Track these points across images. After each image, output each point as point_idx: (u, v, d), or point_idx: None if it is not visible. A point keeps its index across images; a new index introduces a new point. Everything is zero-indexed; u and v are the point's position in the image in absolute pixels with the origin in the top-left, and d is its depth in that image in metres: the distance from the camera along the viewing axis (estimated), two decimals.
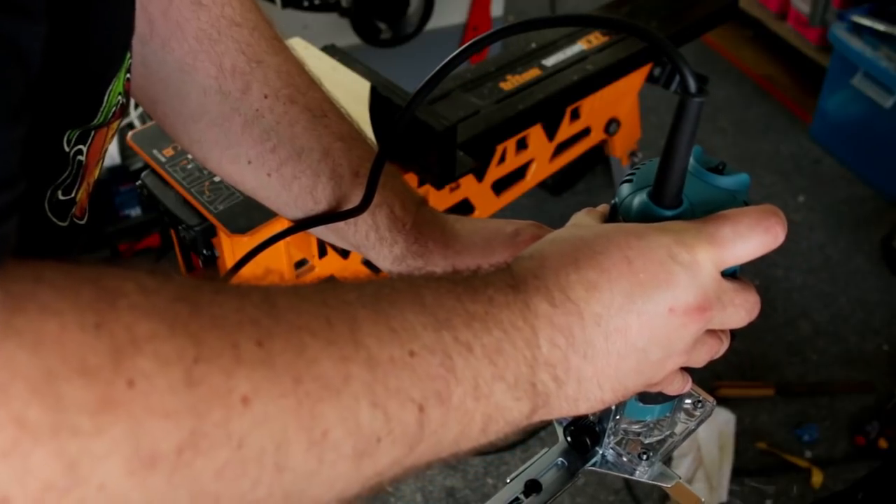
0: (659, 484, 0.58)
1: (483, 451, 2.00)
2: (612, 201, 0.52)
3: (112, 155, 2.09)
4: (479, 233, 0.65)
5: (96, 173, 0.59)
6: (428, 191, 1.56)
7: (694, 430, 0.60)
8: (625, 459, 0.59)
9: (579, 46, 1.85)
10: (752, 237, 0.46)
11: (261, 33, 0.66)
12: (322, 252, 1.44)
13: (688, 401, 0.61)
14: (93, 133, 0.53)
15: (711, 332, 0.49)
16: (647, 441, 0.59)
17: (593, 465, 0.59)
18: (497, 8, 2.59)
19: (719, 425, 2.05)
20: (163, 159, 1.37)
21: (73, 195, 0.54)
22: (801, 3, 2.94)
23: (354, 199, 0.65)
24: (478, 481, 1.96)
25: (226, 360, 0.33)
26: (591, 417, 0.58)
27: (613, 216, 0.52)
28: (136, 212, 2.23)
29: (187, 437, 0.32)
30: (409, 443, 0.40)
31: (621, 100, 2.01)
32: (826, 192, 2.72)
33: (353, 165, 0.66)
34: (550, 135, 1.85)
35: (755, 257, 0.47)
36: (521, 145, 1.79)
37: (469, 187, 1.71)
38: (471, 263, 0.52)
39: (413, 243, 0.66)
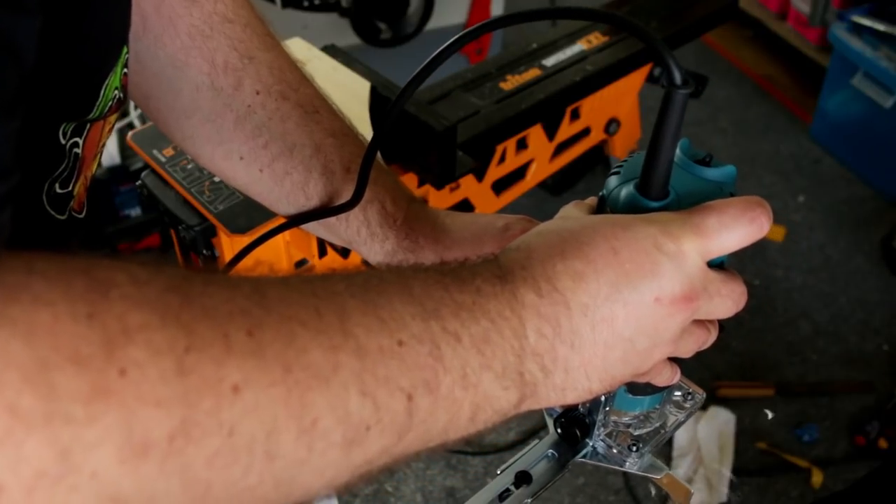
0: (649, 475, 0.59)
1: (483, 451, 2.00)
2: (600, 193, 0.52)
3: (112, 155, 2.09)
4: (470, 227, 0.65)
5: (94, 167, 0.59)
6: (428, 191, 1.56)
7: (684, 422, 0.60)
8: (615, 451, 0.59)
9: (579, 46, 1.85)
10: (737, 227, 0.46)
11: (253, 30, 0.67)
12: (322, 252, 1.44)
13: (677, 393, 0.61)
14: (88, 126, 0.54)
15: (699, 323, 0.49)
16: (637, 433, 0.59)
17: (584, 456, 0.59)
18: (497, 8, 2.60)
19: (719, 425, 2.05)
20: (163, 159, 1.38)
21: (70, 189, 0.54)
22: (801, 3, 2.95)
23: (346, 195, 0.65)
24: (478, 481, 1.96)
25: (216, 349, 0.34)
26: (581, 409, 0.58)
27: (601, 208, 0.52)
28: (136, 212, 2.24)
29: (178, 426, 0.32)
30: (398, 431, 0.40)
31: (621, 100, 2.01)
32: (826, 192, 2.72)
33: (344, 161, 0.66)
34: (550, 135, 1.85)
35: (741, 247, 0.47)
36: (521, 145, 1.79)
37: (469, 187, 1.71)
38: (461, 258, 0.53)
39: (404, 239, 0.67)
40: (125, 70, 0.57)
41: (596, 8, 0.47)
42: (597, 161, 2.45)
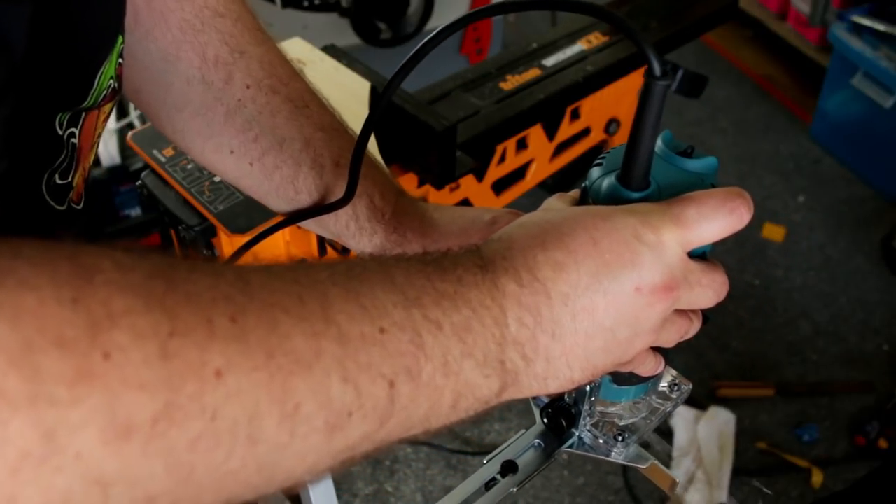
0: (634, 465, 0.59)
1: (483, 451, 2.01)
2: (583, 184, 0.53)
3: (112, 155, 2.10)
4: (458, 221, 0.66)
5: (91, 158, 0.60)
6: (428, 191, 1.57)
7: (670, 413, 0.61)
8: (601, 441, 0.59)
9: (579, 46, 1.86)
10: (717, 218, 0.47)
11: (244, 24, 0.67)
12: (322, 251, 1.45)
13: (663, 383, 0.62)
14: (83, 115, 0.54)
15: (680, 313, 0.50)
16: (622, 423, 0.60)
17: (570, 446, 0.59)
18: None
19: (719, 425, 2.05)
20: (163, 159, 1.38)
21: (69, 179, 0.55)
22: (801, 3, 2.95)
23: (336, 189, 0.66)
24: None
25: (200, 334, 0.34)
26: (567, 399, 0.59)
27: (584, 199, 0.53)
28: (136, 212, 2.23)
29: (162, 409, 0.32)
30: (379, 417, 0.40)
31: (621, 100, 2.02)
32: (826, 192, 2.72)
33: (333, 155, 0.67)
34: (550, 135, 1.86)
35: (721, 238, 0.47)
36: (521, 145, 1.80)
37: (469, 187, 1.72)
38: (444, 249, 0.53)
39: (392, 233, 0.67)
40: (120, 60, 0.57)
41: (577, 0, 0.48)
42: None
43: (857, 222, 2.61)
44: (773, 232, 2.56)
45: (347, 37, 2.23)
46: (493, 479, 0.57)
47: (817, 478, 1.98)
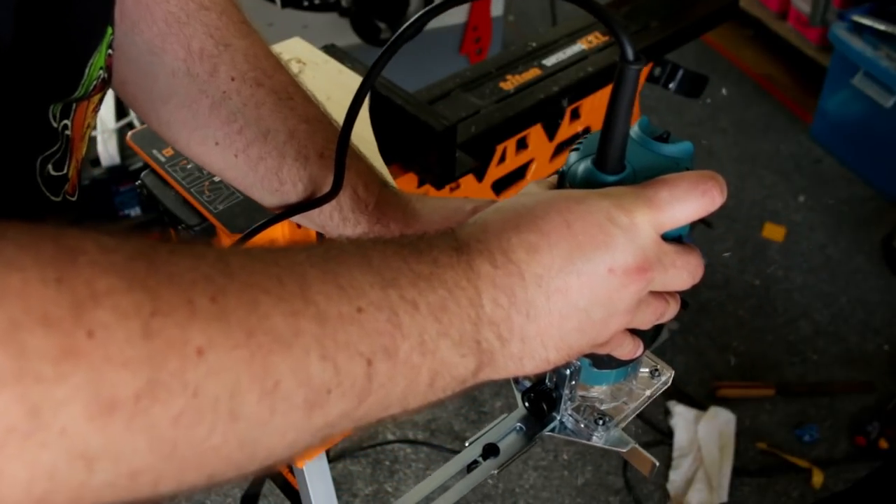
0: (615, 449, 0.60)
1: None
2: (560, 169, 0.53)
3: (112, 155, 2.10)
4: (440, 211, 0.67)
5: (83, 150, 0.61)
6: (428, 191, 1.57)
7: (651, 399, 0.61)
8: (582, 425, 0.60)
9: (579, 46, 1.86)
10: (689, 200, 0.47)
11: (229, 17, 0.68)
12: None
13: (644, 369, 0.62)
14: (74, 106, 0.55)
15: (656, 295, 0.50)
16: (603, 407, 0.60)
17: (551, 430, 0.60)
18: (497, 8, 2.60)
19: (719, 425, 2.05)
20: (162, 159, 1.39)
21: (64, 171, 0.56)
22: (802, 3, 2.94)
23: (320, 180, 0.66)
24: None
25: (181, 314, 0.35)
26: (549, 383, 0.59)
27: (561, 184, 0.53)
28: (135, 212, 2.24)
29: (144, 386, 0.33)
30: (357, 395, 0.41)
31: None
32: (826, 192, 2.71)
33: (317, 147, 0.68)
34: (550, 135, 1.86)
35: (694, 220, 0.48)
36: (521, 145, 1.80)
37: (469, 187, 1.72)
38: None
39: (375, 224, 0.68)
40: (110, 51, 0.58)
41: None
42: None
43: (857, 222, 2.61)
44: (774, 232, 2.55)
45: (347, 37, 2.23)
46: (475, 461, 0.57)
47: (818, 478, 1.97)
